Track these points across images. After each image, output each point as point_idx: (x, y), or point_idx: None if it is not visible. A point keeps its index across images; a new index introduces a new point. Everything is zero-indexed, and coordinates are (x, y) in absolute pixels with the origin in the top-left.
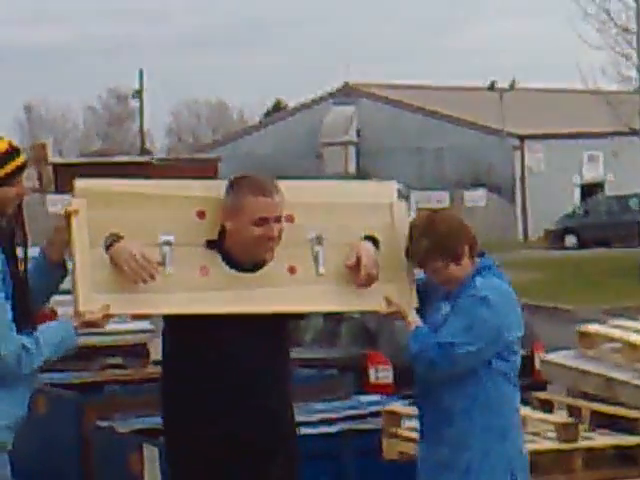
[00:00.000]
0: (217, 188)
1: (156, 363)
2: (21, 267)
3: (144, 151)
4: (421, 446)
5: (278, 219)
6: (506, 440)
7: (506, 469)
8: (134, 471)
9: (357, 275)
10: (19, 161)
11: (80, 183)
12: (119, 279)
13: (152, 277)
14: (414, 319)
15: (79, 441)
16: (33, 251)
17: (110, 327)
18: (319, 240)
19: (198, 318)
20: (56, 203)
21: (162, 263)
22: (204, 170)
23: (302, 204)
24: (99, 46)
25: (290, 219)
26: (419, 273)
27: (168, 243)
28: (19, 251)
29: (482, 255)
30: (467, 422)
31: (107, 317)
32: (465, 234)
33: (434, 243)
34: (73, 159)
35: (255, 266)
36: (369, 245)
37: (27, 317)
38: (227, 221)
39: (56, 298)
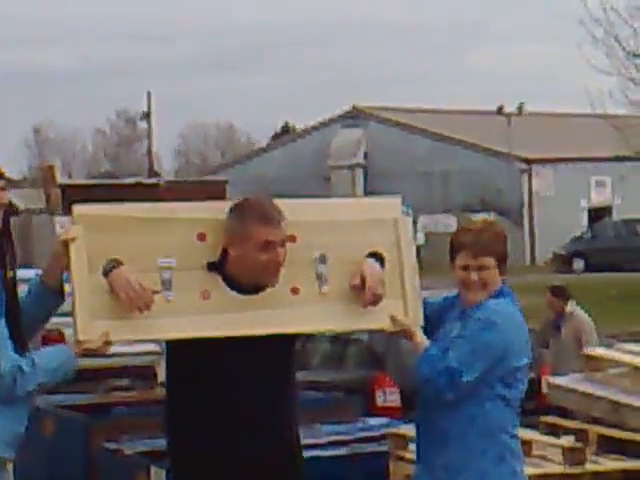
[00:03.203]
0: (217, 210)
1: (163, 385)
2: (11, 287)
3: (152, 173)
4: (417, 467)
5: (283, 243)
6: (503, 463)
7: None
8: None
9: (362, 295)
10: None
11: (78, 209)
12: (118, 305)
13: (147, 307)
14: (421, 339)
15: (86, 463)
16: (32, 272)
17: (117, 349)
18: (323, 259)
19: (200, 342)
20: (64, 224)
21: (160, 289)
22: (212, 192)
23: (305, 223)
24: (107, 69)
25: (292, 239)
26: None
27: (168, 267)
28: (9, 271)
29: (503, 282)
30: (462, 446)
31: (107, 344)
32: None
33: (496, 241)
34: (81, 181)
35: (257, 288)
36: (374, 263)
37: (19, 338)
38: (231, 247)
39: (63, 320)
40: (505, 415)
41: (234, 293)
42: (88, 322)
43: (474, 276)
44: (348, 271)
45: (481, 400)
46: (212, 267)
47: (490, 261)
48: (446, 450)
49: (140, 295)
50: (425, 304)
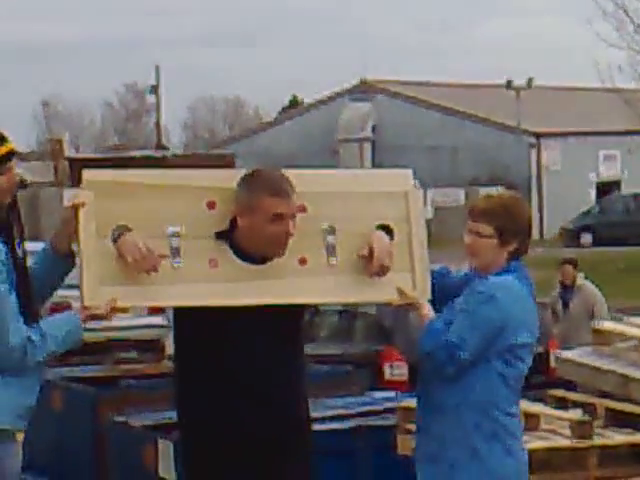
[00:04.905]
0: (227, 178)
1: (171, 358)
2: (21, 260)
3: (160, 146)
4: (417, 437)
5: (293, 216)
6: (495, 440)
7: (495, 474)
8: (148, 465)
9: (369, 266)
10: (6, 149)
11: (88, 174)
12: (126, 271)
13: (155, 269)
14: (427, 312)
15: (94, 435)
16: (40, 245)
17: (125, 322)
18: (332, 230)
19: (207, 311)
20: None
21: (168, 255)
22: (220, 166)
23: (314, 194)
24: (116, 42)
25: (302, 209)
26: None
27: (177, 235)
28: (17, 244)
29: (516, 258)
30: (456, 419)
31: (114, 310)
32: (526, 235)
33: (501, 211)
34: (89, 154)
35: (265, 258)
36: (383, 235)
37: (30, 309)
38: (241, 217)
39: (72, 293)
40: (501, 392)
41: (242, 262)
42: (95, 288)
43: (467, 239)
44: (357, 243)
45: (477, 374)
46: (221, 236)
47: (486, 229)
48: (441, 421)
49: (147, 258)
50: (448, 276)
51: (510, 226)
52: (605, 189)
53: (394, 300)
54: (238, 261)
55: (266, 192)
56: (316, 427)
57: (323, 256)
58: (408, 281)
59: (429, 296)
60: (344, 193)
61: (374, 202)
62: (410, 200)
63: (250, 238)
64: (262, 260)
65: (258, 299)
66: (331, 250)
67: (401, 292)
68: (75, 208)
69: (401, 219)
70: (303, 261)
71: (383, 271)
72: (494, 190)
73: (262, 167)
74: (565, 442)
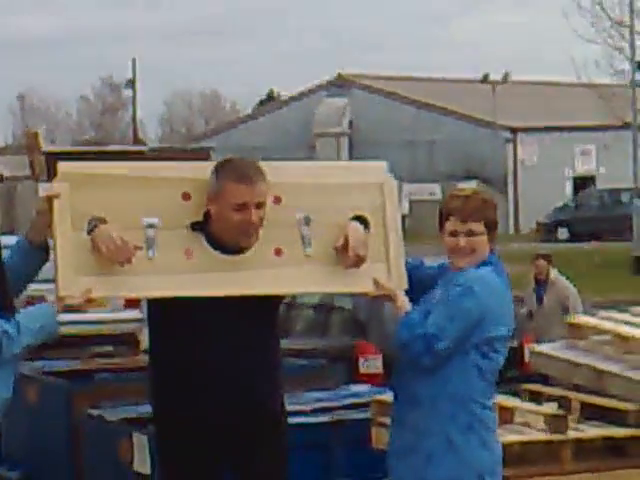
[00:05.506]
0: (202, 170)
1: (146, 352)
2: None
3: (137, 141)
4: (391, 429)
5: (259, 205)
6: (471, 432)
7: (470, 466)
8: (124, 459)
9: (345, 257)
10: None
11: (63, 166)
12: (101, 262)
13: (129, 260)
14: (403, 303)
15: (69, 429)
16: (14, 239)
17: (100, 316)
18: (307, 221)
19: (182, 301)
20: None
21: (142, 247)
22: (197, 160)
23: (290, 185)
24: (92, 35)
25: (277, 200)
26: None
27: (152, 226)
28: None
29: (491, 251)
30: (431, 409)
31: (89, 301)
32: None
33: (485, 207)
34: (65, 147)
35: (240, 249)
36: (358, 226)
37: (5, 302)
38: (210, 205)
39: (48, 287)
40: (477, 385)
41: (217, 253)
42: (70, 278)
43: (462, 242)
44: (332, 234)
45: (454, 366)
46: (196, 227)
47: (478, 227)
48: (417, 412)
49: (121, 249)
50: (422, 268)
51: (494, 220)
52: (581, 184)
53: (370, 291)
54: (213, 252)
55: (230, 178)
56: (292, 420)
57: (299, 247)
58: (384, 272)
59: (405, 286)
60: (319, 184)
61: (349, 193)
62: (385, 191)
63: (220, 227)
64: (238, 251)
65: (233, 290)
66: (307, 241)
67: (377, 283)
68: (50, 200)
69: (376, 210)
70: (278, 252)
71: (358, 262)
72: (466, 186)
73: (235, 156)
74: (540, 436)
